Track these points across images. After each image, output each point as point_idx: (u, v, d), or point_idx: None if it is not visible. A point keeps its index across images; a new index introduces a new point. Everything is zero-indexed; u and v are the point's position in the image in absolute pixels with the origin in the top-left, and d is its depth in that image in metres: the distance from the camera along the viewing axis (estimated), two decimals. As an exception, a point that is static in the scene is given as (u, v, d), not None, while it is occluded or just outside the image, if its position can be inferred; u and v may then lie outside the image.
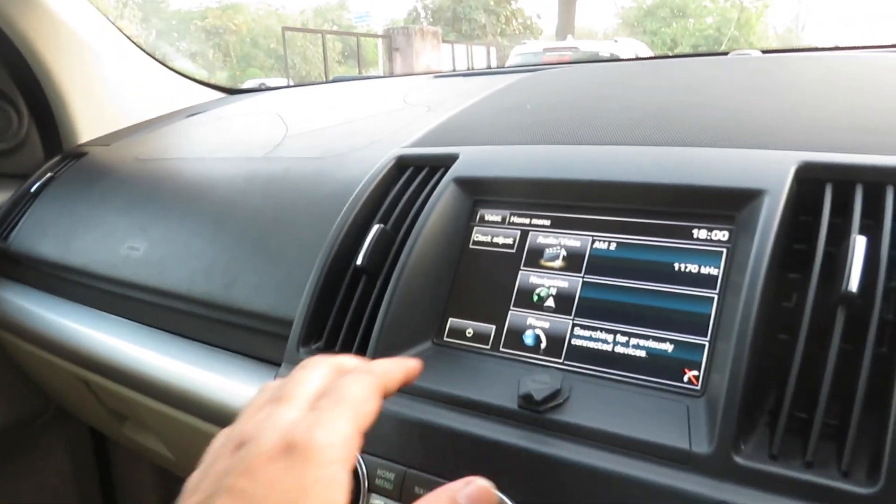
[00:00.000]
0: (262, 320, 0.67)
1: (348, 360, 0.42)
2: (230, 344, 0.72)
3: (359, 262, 0.59)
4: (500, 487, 0.45)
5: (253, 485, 0.32)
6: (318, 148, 0.84)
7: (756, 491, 0.39)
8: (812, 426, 0.40)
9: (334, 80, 1.48)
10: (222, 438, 0.36)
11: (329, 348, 0.59)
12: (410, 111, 0.93)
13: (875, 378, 0.40)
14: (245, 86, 1.61)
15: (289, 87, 1.48)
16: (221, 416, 0.68)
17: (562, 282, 0.53)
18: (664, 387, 0.46)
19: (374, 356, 0.53)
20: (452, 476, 0.47)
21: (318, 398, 0.36)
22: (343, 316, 0.59)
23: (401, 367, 0.42)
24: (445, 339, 0.56)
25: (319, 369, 0.40)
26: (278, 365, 0.61)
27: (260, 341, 0.69)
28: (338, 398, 0.36)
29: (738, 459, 0.40)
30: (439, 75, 1.26)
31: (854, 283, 0.41)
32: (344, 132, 0.89)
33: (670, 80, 0.76)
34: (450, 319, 0.57)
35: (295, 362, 0.58)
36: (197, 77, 1.57)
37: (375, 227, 0.61)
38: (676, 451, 0.42)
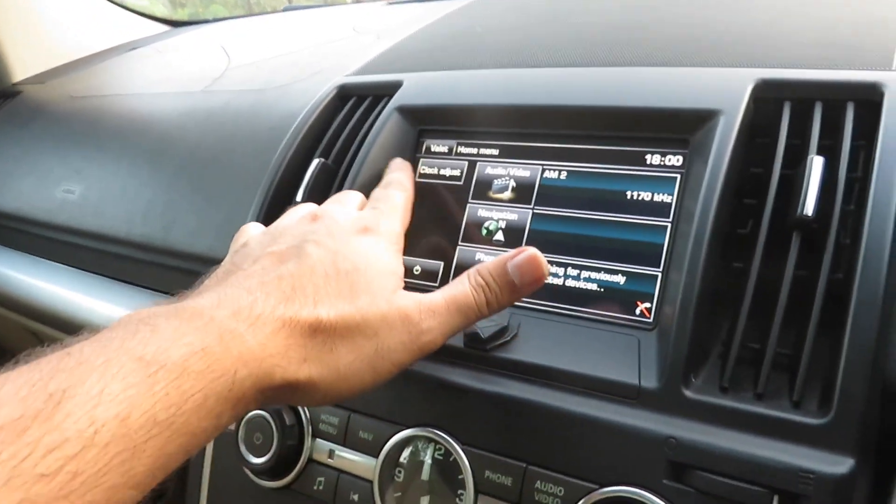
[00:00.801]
0: (203, 262, 0.63)
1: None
2: (172, 288, 0.69)
3: (298, 198, 0.56)
4: (446, 427, 0.44)
5: (336, 242, 0.40)
6: (260, 80, 0.79)
7: (705, 425, 0.37)
8: (764, 357, 0.38)
9: (285, 10, 1.40)
10: (286, 217, 0.45)
11: (270, 290, 0.56)
12: (359, 39, 0.87)
13: (830, 306, 0.38)
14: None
15: (236, 17, 1.40)
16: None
17: (511, 214, 0.50)
18: (616, 320, 0.45)
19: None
20: (397, 417, 0.46)
21: (373, 201, 0.47)
22: (284, 256, 0.56)
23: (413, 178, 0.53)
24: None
25: (356, 194, 0.50)
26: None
27: (202, 285, 0.65)
28: (391, 205, 0.47)
29: (688, 393, 0.38)
30: (393, 2, 1.19)
31: (809, 207, 0.39)
32: (287, 63, 0.84)
33: (628, -2, 0.72)
34: (395, 257, 0.54)
35: (235, 306, 0.55)
36: (140, 10, 1.48)
37: (316, 161, 0.57)
38: (625, 386, 0.40)
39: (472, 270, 0.41)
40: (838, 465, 0.34)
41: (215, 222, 0.64)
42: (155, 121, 0.80)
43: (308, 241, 0.39)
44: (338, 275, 0.38)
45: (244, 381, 0.32)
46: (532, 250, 0.41)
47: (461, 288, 0.40)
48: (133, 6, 1.47)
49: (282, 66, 0.83)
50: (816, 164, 0.40)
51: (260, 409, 0.49)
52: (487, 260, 0.50)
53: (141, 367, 0.28)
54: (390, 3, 1.19)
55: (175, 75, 0.96)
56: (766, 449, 0.35)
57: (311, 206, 0.47)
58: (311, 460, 0.48)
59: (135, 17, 1.45)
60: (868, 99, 0.42)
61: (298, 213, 0.45)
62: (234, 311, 0.33)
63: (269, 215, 0.58)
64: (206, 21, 1.45)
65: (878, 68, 0.43)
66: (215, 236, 0.63)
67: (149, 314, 0.32)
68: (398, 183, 0.51)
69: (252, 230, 0.46)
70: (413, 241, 0.53)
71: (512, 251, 0.41)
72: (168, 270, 0.68)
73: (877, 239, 0.37)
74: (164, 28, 1.48)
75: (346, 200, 0.48)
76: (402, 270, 0.42)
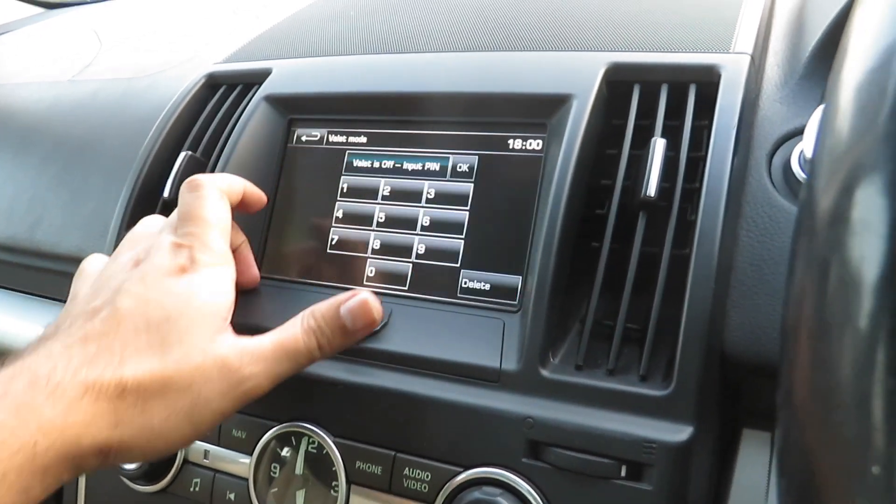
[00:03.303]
0: (72, 263, 0.61)
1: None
2: (42, 290, 0.66)
3: (166, 193, 0.54)
4: (317, 421, 0.44)
5: (149, 289, 0.37)
6: (131, 67, 0.76)
7: (561, 403, 0.39)
8: (615, 333, 0.40)
9: (168, -10, 1.34)
10: (116, 259, 0.42)
11: (140, 290, 0.54)
12: (237, 21, 0.85)
13: (676, 281, 0.40)
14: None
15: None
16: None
17: (382, 204, 0.50)
18: (485, 304, 0.45)
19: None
20: (269, 414, 0.45)
21: (181, 222, 0.41)
22: (154, 254, 0.54)
23: (240, 182, 0.46)
24: (267, 273, 0.53)
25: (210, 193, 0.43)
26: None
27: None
28: (205, 222, 0.41)
29: (545, 373, 0.39)
30: (279, -20, 1.16)
31: (652, 188, 0.40)
32: (161, 48, 0.81)
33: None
34: (269, 251, 0.53)
35: (104, 308, 0.54)
36: (10, -10, 1.39)
37: (183, 154, 0.55)
38: (487, 369, 0.41)
39: (306, 312, 0.41)
40: (679, 433, 0.36)
41: (82, 219, 0.61)
42: (18, 113, 0.76)
43: (121, 292, 0.37)
44: (148, 327, 0.36)
45: (47, 453, 0.31)
46: (364, 294, 0.41)
47: (292, 332, 0.39)
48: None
49: (154, 53, 0.80)
50: (659, 145, 0.41)
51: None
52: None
53: None
54: (276, -18, 1.15)
55: (43, 63, 0.90)
56: (614, 422, 0.37)
57: (141, 240, 0.43)
58: (186, 462, 0.47)
59: (4, -1, 1.36)
60: (708, 80, 0.44)
61: (122, 257, 0.41)
62: (30, 382, 0.32)
63: (135, 211, 0.56)
64: (82, 2, 1.37)
65: (719, 51, 0.45)
66: (83, 234, 0.61)
67: None
68: (212, 185, 0.43)
69: (91, 266, 0.44)
70: (287, 234, 0.53)
71: (345, 294, 0.41)
72: (36, 272, 0.65)
73: (711, 215, 0.39)
74: (38, 10, 1.39)
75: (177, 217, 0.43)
76: (227, 303, 0.40)
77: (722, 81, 0.43)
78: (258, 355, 0.38)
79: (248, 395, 0.37)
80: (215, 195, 0.42)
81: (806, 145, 0.37)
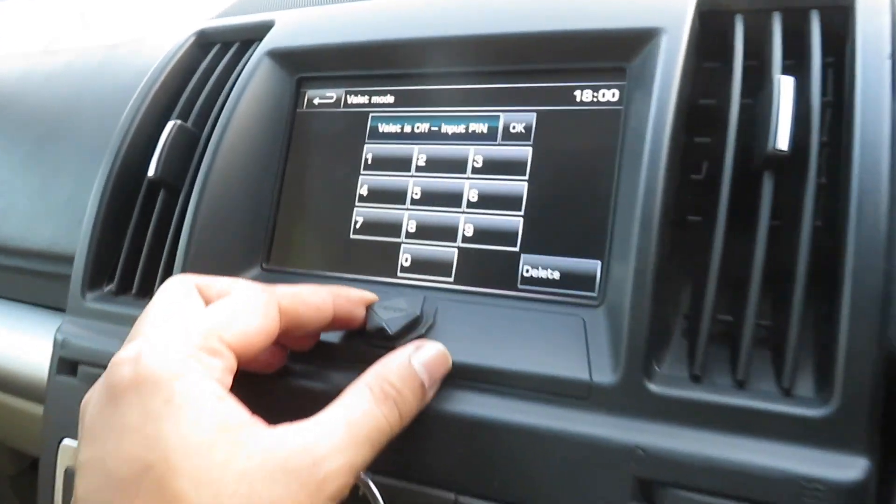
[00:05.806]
0: (43, 259, 0.52)
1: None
2: (10, 292, 0.57)
3: (151, 172, 0.45)
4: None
5: (210, 457, 0.26)
6: (113, 34, 0.66)
7: (677, 427, 0.29)
8: (742, 331, 0.30)
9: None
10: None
11: (123, 291, 0.45)
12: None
13: (814, 262, 0.30)
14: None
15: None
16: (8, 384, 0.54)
17: (417, 177, 0.41)
18: (551, 297, 0.36)
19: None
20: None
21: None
22: (139, 246, 0.45)
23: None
24: (276, 265, 0.44)
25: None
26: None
27: (46, 286, 0.53)
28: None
29: (652, 387, 0.30)
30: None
31: (783, 139, 0.31)
32: (149, 12, 0.71)
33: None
34: (278, 238, 0.44)
35: (80, 313, 0.44)
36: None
37: (171, 124, 0.46)
38: (572, 383, 0.31)
39: (370, 379, 0.31)
40: (850, 467, 0.27)
41: (55, 207, 0.52)
42: (-18, 90, 0.66)
43: (167, 466, 0.25)
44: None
45: None
46: (435, 343, 0.33)
47: (365, 408, 0.30)
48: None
49: (142, 16, 0.70)
50: (786, 85, 0.32)
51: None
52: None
53: None
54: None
55: (12, 32, 0.81)
56: (755, 453, 0.28)
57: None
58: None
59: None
60: (836, 4, 0.34)
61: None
62: None
63: (114, 195, 0.46)
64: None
65: (845, -32, 0.36)
66: (56, 226, 0.52)
67: None
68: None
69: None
70: (299, 216, 0.43)
71: (408, 346, 0.33)
72: (4, 271, 0.56)
73: (870, 175, 0.29)
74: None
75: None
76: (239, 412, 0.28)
77: (858, 3, 0.33)
78: (336, 447, 0.28)
79: (334, 500, 0.28)
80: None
81: None
